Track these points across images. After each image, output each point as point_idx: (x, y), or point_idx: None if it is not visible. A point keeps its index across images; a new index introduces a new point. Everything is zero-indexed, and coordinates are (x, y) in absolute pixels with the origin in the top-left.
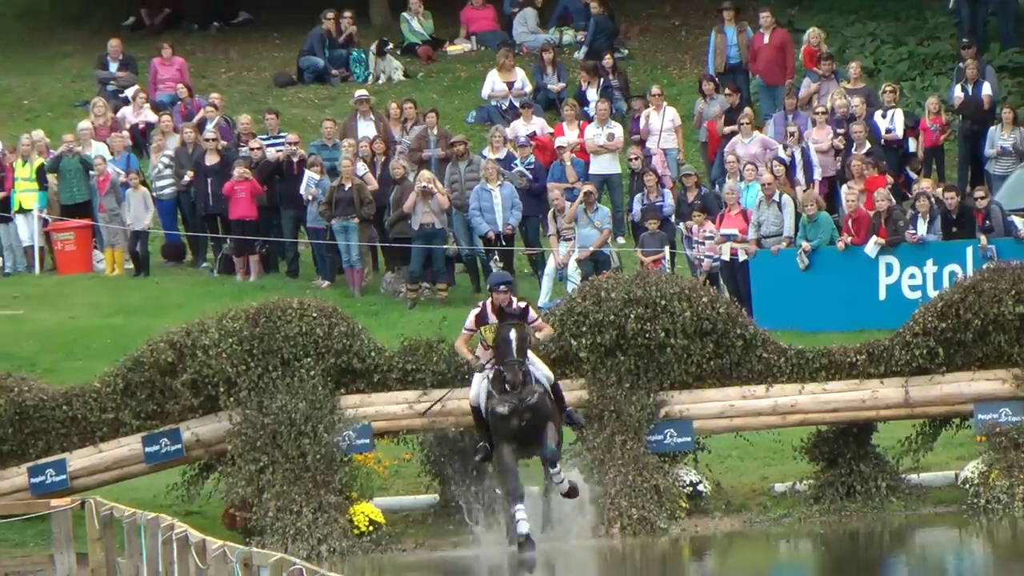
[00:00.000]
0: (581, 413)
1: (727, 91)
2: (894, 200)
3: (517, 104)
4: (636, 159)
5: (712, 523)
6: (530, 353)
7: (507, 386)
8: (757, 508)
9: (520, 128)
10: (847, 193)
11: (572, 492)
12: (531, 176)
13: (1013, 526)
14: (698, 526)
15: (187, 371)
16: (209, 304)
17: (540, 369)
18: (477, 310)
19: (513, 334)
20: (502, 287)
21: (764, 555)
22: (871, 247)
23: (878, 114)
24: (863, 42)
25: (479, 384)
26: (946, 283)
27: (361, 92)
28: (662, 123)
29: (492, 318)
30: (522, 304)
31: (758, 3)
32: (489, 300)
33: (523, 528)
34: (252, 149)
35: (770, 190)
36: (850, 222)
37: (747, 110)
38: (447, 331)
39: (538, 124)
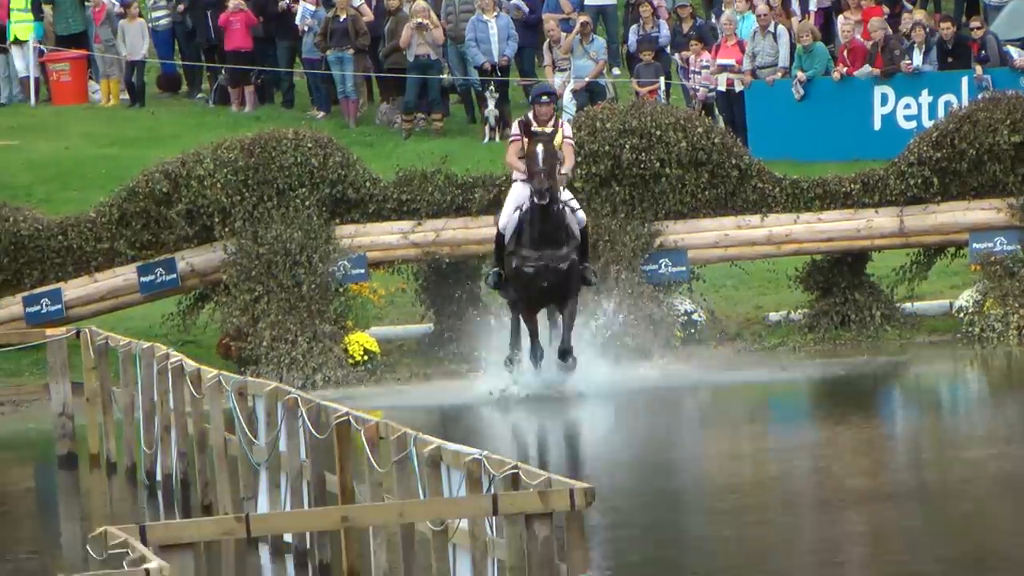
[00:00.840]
0: (593, 270)
1: None
2: (890, 30)
3: None
4: None
5: (707, 351)
6: (567, 192)
7: (540, 198)
8: (752, 337)
9: None
10: (843, 23)
11: (571, 357)
12: (527, 7)
13: (1008, 355)
14: (693, 354)
15: (182, 201)
16: (204, 135)
17: (577, 211)
18: (521, 118)
19: (539, 148)
20: (544, 97)
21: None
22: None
23: None
24: None
25: (511, 213)
26: (941, 113)
27: None
28: None
29: (536, 127)
30: (566, 123)
31: None
32: (532, 111)
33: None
34: None
35: (765, 20)
36: (845, 52)
37: None
38: (447, 163)
39: None
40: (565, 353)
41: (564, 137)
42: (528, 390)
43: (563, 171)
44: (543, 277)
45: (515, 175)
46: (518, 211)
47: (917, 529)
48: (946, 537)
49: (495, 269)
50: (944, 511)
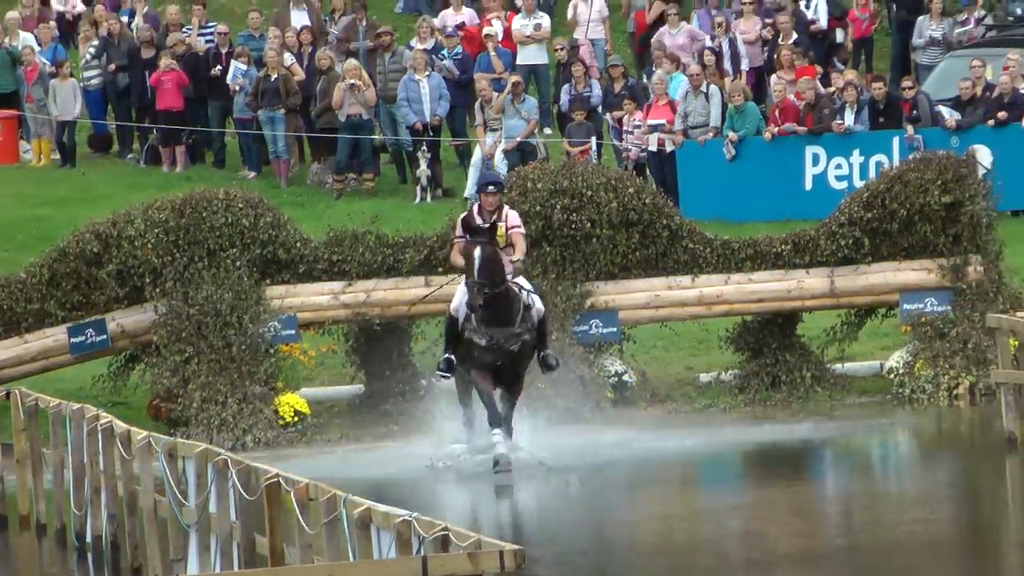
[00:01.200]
0: (554, 356)
1: None
2: (822, 89)
3: None
4: (561, 50)
5: (637, 413)
6: (524, 281)
7: (482, 308)
8: (682, 398)
9: (449, 18)
10: (775, 83)
11: (503, 461)
12: (458, 68)
13: (938, 416)
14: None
15: (113, 262)
16: (135, 195)
17: (535, 300)
18: (464, 214)
19: (477, 253)
20: (490, 188)
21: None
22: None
23: (803, 4)
24: None
25: (462, 296)
26: (872, 173)
27: None
28: (590, 13)
29: (479, 220)
30: (511, 212)
31: None
32: (477, 204)
33: (501, 449)
34: (178, 41)
35: (697, 80)
36: (777, 112)
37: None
38: (378, 223)
39: (467, 15)
40: (500, 464)
41: (511, 227)
42: (480, 465)
43: (514, 259)
44: (494, 355)
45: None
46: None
47: None
48: None
49: (446, 355)
50: (876, 572)
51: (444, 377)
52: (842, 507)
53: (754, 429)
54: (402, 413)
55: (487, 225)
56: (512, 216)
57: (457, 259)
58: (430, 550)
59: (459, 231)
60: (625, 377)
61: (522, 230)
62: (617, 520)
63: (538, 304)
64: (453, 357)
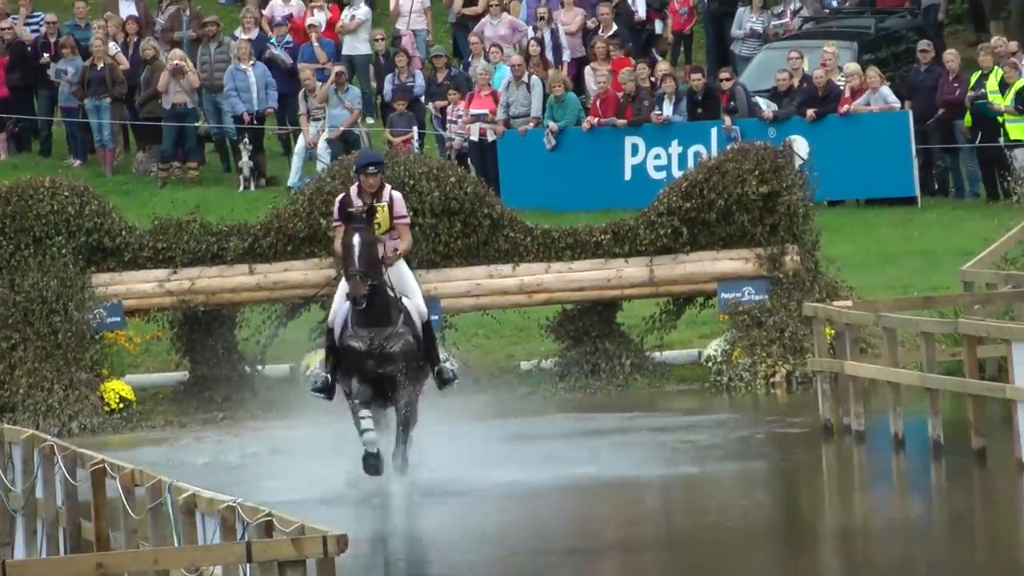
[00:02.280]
0: (454, 364)
1: None
2: (641, 80)
3: None
4: (381, 40)
5: (460, 399)
6: (405, 274)
7: (356, 304)
8: (504, 386)
9: (277, 8)
10: (591, 74)
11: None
12: (289, 57)
13: (755, 403)
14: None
15: None
16: None
17: (415, 300)
18: (342, 195)
19: (356, 240)
20: (371, 168)
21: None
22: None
23: None
24: None
25: (340, 303)
26: (691, 163)
27: None
28: (412, 4)
29: (358, 203)
30: (394, 194)
31: None
32: (356, 185)
33: (369, 437)
34: (4, 29)
35: (519, 71)
36: (598, 103)
37: None
38: (203, 211)
39: (295, 6)
40: (399, 460)
41: (397, 217)
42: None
43: (399, 251)
44: (372, 358)
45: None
46: (347, 302)
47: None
48: None
49: (324, 374)
50: (695, 559)
51: (323, 398)
52: (663, 495)
53: (576, 416)
54: (226, 399)
55: (366, 209)
56: (398, 201)
57: (339, 248)
58: (254, 535)
59: (336, 216)
60: (448, 364)
61: (407, 220)
62: (435, 509)
63: (421, 305)
64: (329, 376)
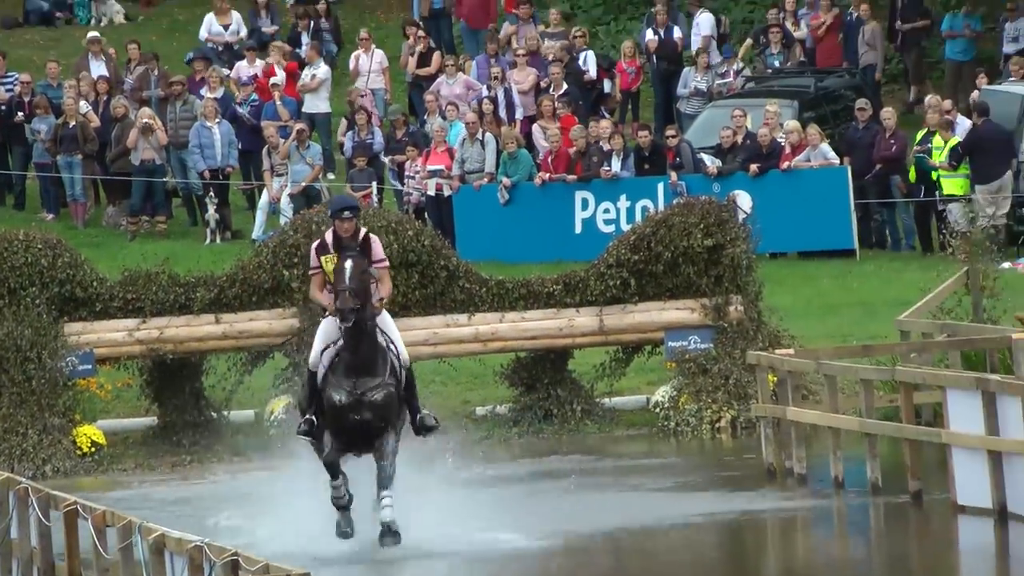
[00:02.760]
0: (431, 415)
1: (420, 35)
2: (590, 138)
3: (235, 46)
4: (363, 96)
5: (418, 444)
6: (389, 323)
7: (344, 320)
8: (459, 430)
9: (243, 69)
10: (539, 131)
11: (391, 532)
12: (254, 115)
13: (701, 448)
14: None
15: None
16: None
17: (398, 346)
18: (317, 242)
19: (348, 264)
20: (346, 213)
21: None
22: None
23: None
24: None
25: (321, 349)
26: (639, 217)
27: (93, 34)
28: (371, 64)
29: (332, 249)
30: (370, 236)
31: None
32: (331, 230)
33: (340, 504)
34: None
35: (473, 128)
36: (549, 159)
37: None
38: (171, 263)
39: (259, 66)
40: (386, 533)
41: (375, 262)
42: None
43: (383, 298)
44: (356, 410)
45: (325, 311)
46: (329, 347)
47: None
48: None
49: (307, 416)
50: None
51: (310, 441)
52: (611, 536)
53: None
54: (194, 443)
55: (358, 244)
56: (376, 244)
57: (317, 294)
58: (220, 574)
59: (313, 262)
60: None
61: (386, 264)
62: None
63: (404, 354)
64: (315, 418)
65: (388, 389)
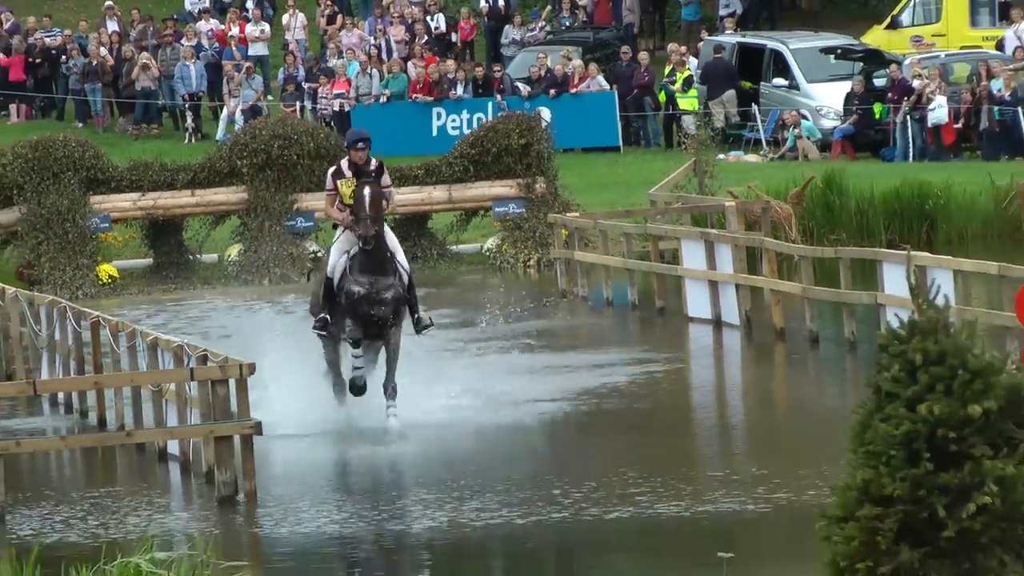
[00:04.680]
0: (428, 316)
1: (328, 3)
2: (443, 72)
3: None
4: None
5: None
6: (393, 238)
7: (365, 244)
8: None
9: (203, 26)
10: (411, 67)
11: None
12: (216, 56)
13: (517, 278)
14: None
15: None
16: (5, 138)
17: (401, 259)
18: (333, 168)
19: (367, 191)
20: (359, 144)
21: None
22: None
23: (429, 18)
24: None
25: (338, 256)
26: (475, 125)
27: (109, 3)
28: (295, 23)
29: (348, 173)
30: (382, 164)
31: None
32: (346, 158)
33: (359, 373)
34: (36, 38)
35: (364, 66)
36: (417, 86)
37: None
38: (161, 156)
39: (216, 23)
40: (390, 394)
41: (384, 186)
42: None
43: (389, 207)
44: (370, 302)
45: (338, 223)
46: (344, 255)
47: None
48: None
49: (322, 314)
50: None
51: (320, 335)
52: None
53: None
54: (177, 276)
55: (375, 169)
56: (385, 173)
57: (331, 211)
58: (195, 363)
59: (329, 184)
60: (319, 253)
61: (391, 187)
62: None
63: (404, 262)
64: (328, 316)
65: (397, 289)
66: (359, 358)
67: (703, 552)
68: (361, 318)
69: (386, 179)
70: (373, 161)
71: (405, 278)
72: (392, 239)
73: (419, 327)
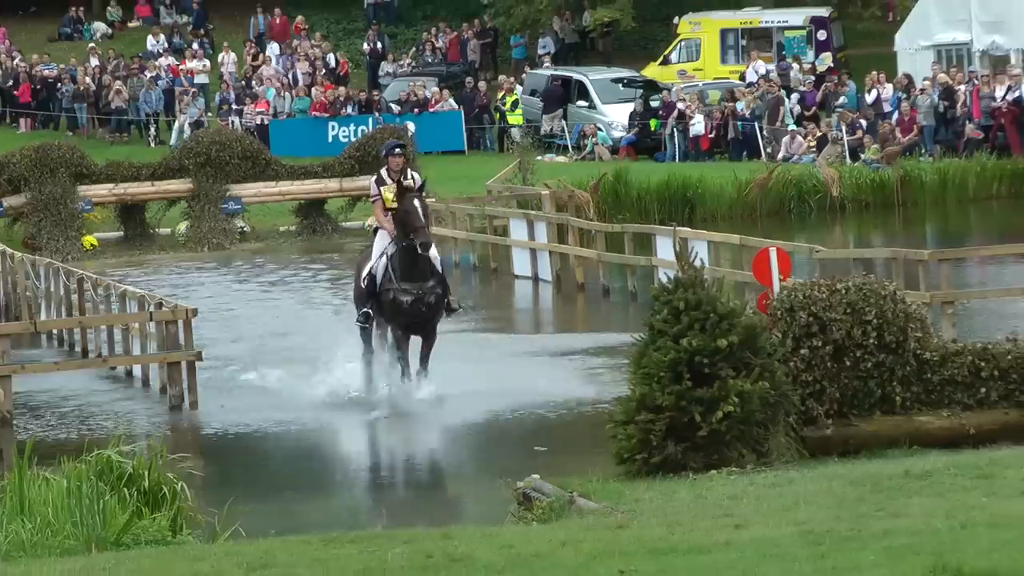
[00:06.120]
0: (456, 300)
1: (252, 46)
2: (336, 96)
3: (163, 50)
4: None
5: (250, 245)
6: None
7: (417, 245)
8: (272, 237)
9: (162, 62)
10: (314, 92)
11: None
12: (171, 85)
13: None
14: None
15: (4, 174)
16: (12, 143)
17: (434, 253)
18: (375, 177)
19: (417, 203)
20: (397, 150)
21: None
22: None
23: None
24: None
25: (379, 256)
26: (360, 134)
27: (91, 45)
28: (228, 59)
29: (389, 180)
30: (414, 174)
31: None
32: (384, 167)
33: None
34: (39, 69)
35: (279, 90)
36: (317, 105)
37: None
38: (130, 157)
39: (172, 60)
40: (422, 372)
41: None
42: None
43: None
44: (416, 307)
45: (381, 227)
46: (384, 256)
47: None
48: None
49: (364, 310)
50: None
51: (364, 327)
52: None
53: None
54: (141, 246)
55: (407, 182)
56: (416, 177)
57: (381, 218)
58: (153, 309)
59: (374, 191)
60: (245, 228)
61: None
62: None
63: (437, 256)
64: (369, 311)
65: (437, 292)
66: (402, 360)
67: (526, 445)
68: (407, 322)
69: (418, 179)
70: (410, 171)
71: (440, 271)
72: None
73: (449, 311)
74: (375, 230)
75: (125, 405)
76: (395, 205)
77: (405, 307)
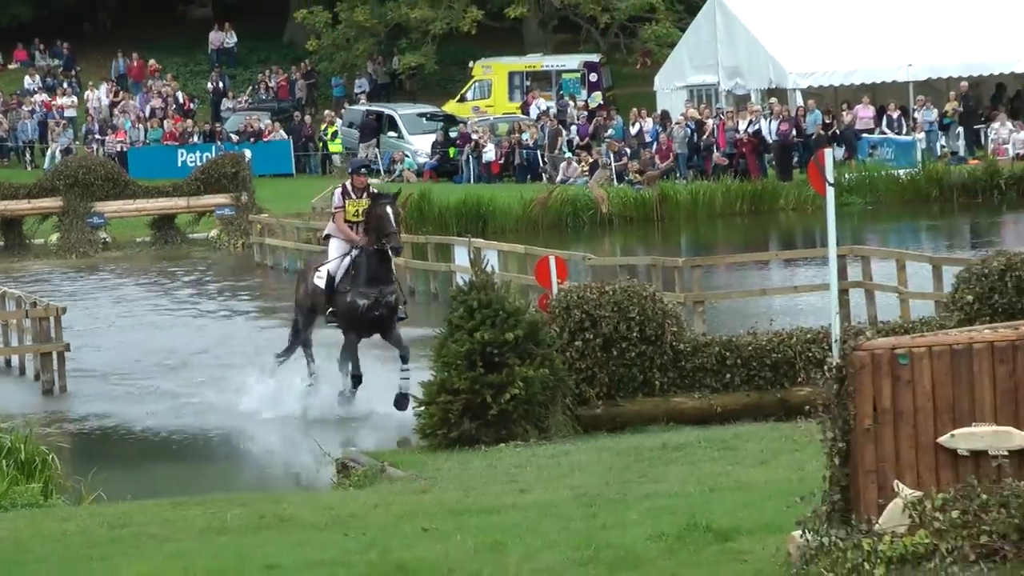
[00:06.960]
0: (404, 308)
1: (113, 84)
2: (185, 128)
3: (38, 87)
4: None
5: (111, 254)
6: None
7: (389, 249)
8: (135, 245)
9: (37, 98)
10: (167, 124)
11: (403, 401)
12: (44, 117)
13: (230, 254)
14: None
15: None
16: None
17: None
18: (340, 189)
19: (389, 210)
20: (363, 170)
21: None
22: None
23: None
24: None
25: (339, 259)
26: (205, 159)
27: None
28: (94, 95)
29: (354, 195)
30: (375, 190)
31: None
32: (348, 181)
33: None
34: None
35: (135, 123)
36: (171, 136)
37: None
38: (10, 178)
39: (46, 96)
40: (402, 398)
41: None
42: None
43: None
44: (375, 309)
45: (337, 236)
46: (347, 258)
47: None
48: None
49: (331, 309)
50: None
51: (335, 325)
52: None
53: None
54: (18, 254)
55: (393, 194)
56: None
57: (342, 226)
58: (28, 307)
59: (337, 202)
60: (108, 239)
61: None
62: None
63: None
64: (335, 310)
65: (396, 293)
66: (355, 366)
67: (348, 425)
68: (366, 323)
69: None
70: (370, 187)
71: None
72: None
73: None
74: (326, 237)
75: (3, 390)
76: (357, 218)
77: (362, 310)
